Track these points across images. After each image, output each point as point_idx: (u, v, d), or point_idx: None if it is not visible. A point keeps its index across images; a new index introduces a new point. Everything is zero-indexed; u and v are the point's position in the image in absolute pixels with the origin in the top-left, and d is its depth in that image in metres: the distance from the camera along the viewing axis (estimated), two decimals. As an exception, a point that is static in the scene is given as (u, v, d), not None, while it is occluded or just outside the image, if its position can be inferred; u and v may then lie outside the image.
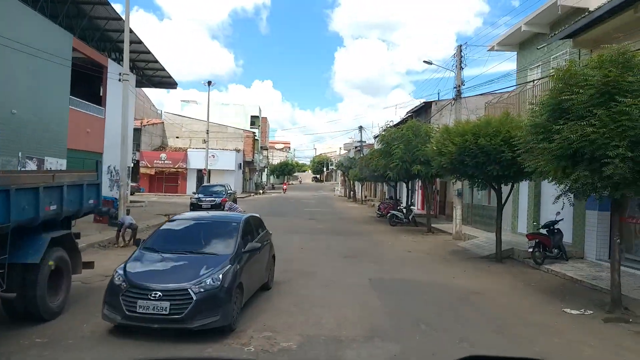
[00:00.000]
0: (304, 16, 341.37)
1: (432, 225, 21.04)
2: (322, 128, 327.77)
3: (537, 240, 12.25)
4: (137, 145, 46.58)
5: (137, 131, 46.76)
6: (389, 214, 23.44)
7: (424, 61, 18.20)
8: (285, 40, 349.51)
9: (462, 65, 18.50)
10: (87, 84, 24.90)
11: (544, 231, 12.60)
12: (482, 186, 13.71)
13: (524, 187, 16.54)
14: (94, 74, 23.63)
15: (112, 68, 25.12)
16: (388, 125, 20.40)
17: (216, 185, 26.25)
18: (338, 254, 13.71)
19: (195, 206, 23.60)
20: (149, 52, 28.04)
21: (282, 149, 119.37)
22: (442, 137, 13.25)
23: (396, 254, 14.10)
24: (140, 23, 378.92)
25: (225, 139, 53.96)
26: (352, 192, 48.90)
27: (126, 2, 17.61)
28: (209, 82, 37.68)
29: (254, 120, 63.12)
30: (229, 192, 25.40)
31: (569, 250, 12.76)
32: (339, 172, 66.77)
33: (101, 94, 25.12)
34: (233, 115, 61.53)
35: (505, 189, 13.61)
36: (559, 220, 12.26)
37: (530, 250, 12.27)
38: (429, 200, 21.26)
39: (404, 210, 24.65)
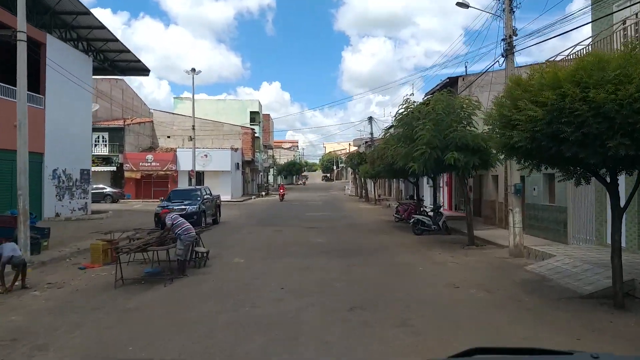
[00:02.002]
0: (309, 16, 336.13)
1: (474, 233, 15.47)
2: (331, 127, 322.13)
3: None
4: (120, 147, 41.61)
5: (120, 130, 41.92)
6: (411, 220, 17.89)
7: (457, 3, 12.16)
8: (291, 41, 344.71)
9: (512, 6, 12.91)
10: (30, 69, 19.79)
11: None
12: (584, 178, 8.05)
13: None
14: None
15: (55, 46, 19.91)
16: (408, 101, 14.79)
17: (190, 190, 20.88)
18: (339, 300, 8.19)
19: (161, 218, 18.22)
20: (116, 40, 22.96)
21: (290, 147, 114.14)
22: (511, 96, 7.73)
23: (436, 295, 8.55)
24: (144, 28, 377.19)
25: (221, 137, 48.77)
26: (364, 191, 43.34)
27: None
28: (193, 69, 32.35)
29: (254, 116, 57.85)
30: (205, 196, 20.00)
31: None
32: (349, 169, 61.29)
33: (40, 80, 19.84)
34: (231, 112, 56.38)
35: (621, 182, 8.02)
36: None
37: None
38: (465, 200, 15.64)
39: (431, 214, 19.15)
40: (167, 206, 18.59)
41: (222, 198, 43.83)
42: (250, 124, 55.25)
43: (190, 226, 10.46)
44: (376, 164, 19.81)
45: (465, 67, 18.99)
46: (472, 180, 22.93)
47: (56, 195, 20.35)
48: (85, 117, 22.89)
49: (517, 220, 12.79)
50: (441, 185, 28.84)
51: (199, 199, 19.37)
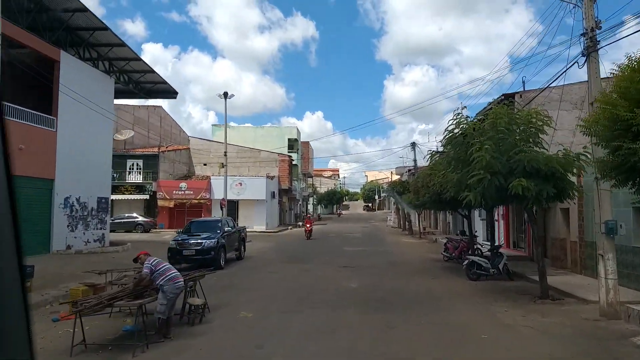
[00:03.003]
0: (352, 46, 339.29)
1: (537, 279, 12.33)
2: (373, 155, 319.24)
3: None
4: (154, 175, 40.61)
5: (155, 158, 40.97)
6: (465, 261, 14.87)
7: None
8: (334, 71, 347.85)
9: (596, -6, 10.16)
10: (41, 89, 18.61)
11: None
12: None
13: None
14: (37, 72, 17.15)
15: (71, 64, 18.62)
16: (459, 116, 12.02)
17: (210, 221, 18.69)
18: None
19: (174, 253, 16.13)
20: (138, 59, 21.70)
21: (331, 176, 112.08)
22: (628, 90, 5.01)
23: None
24: (195, 61, 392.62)
25: (258, 164, 47.19)
26: (407, 223, 40.17)
27: None
28: (225, 93, 30.88)
29: (292, 143, 56.16)
30: (227, 229, 17.75)
31: None
32: (392, 199, 58.19)
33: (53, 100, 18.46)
34: (269, 139, 55.00)
35: None
36: None
37: None
38: (536, 240, 12.52)
39: (487, 253, 16.12)
40: (183, 240, 16.54)
41: (257, 228, 42.12)
42: (289, 152, 53.55)
43: (178, 274, 8.05)
44: (420, 193, 17.04)
45: (523, 82, 16.17)
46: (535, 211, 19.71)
47: (68, 226, 18.73)
48: (105, 142, 21.45)
49: (610, 269, 9.68)
50: (496, 218, 25.53)
51: (218, 231, 17.14)
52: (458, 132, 11.97)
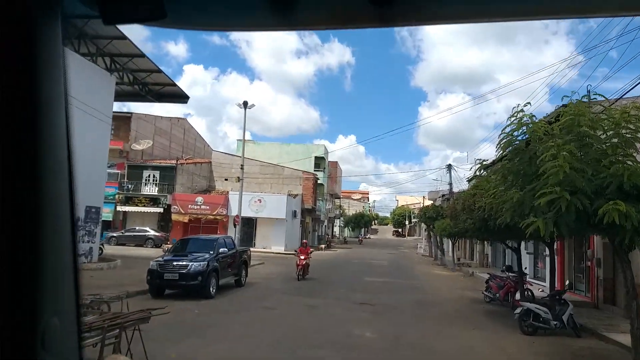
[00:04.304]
0: (387, 73, 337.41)
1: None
2: (404, 179, 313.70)
3: None
4: (170, 187, 38.43)
5: (172, 169, 38.86)
6: (519, 309, 11.35)
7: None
8: (368, 96, 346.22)
9: None
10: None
11: None
12: None
13: None
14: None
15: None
16: (522, 112, 8.75)
17: (203, 239, 15.74)
18: None
19: (154, 276, 13.28)
20: (142, 56, 19.44)
21: (360, 199, 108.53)
22: None
23: None
24: (232, 83, 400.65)
25: (281, 182, 44.52)
26: (440, 252, 36.38)
27: None
28: (245, 102, 28.44)
29: (319, 162, 53.34)
30: (222, 250, 14.77)
31: None
32: (423, 225, 54.28)
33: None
34: (295, 156, 52.39)
35: None
36: None
37: None
38: (628, 289, 8.99)
39: (539, 296, 12.69)
40: (167, 261, 13.71)
41: (274, 249, 39.07)
42: (315, 170, 50.72)
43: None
44: (460, 218, 13.68)
45: (588, 91, 12.87)
46: (595, 249, 15.99)
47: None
48: (99, 146, 19.06)
49: None
50: (546, 252, 21.69)
51: (211, 252, 14.22)
52: (519, 135, 8.76)
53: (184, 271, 13.18)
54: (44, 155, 0.89)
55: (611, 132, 8.26)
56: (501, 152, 8.93)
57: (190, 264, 13.34)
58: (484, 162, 9.92)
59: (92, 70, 18.68)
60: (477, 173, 10.98)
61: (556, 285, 12.99)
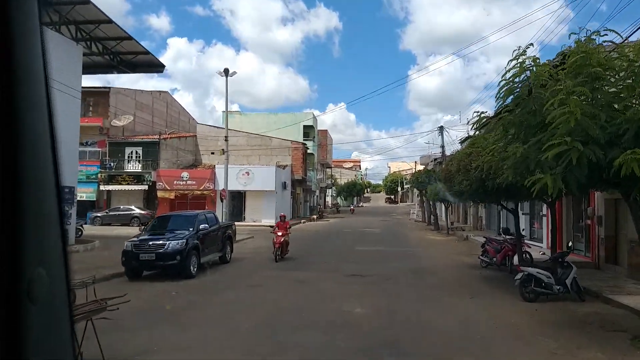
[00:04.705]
0: (375, 37, 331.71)
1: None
2: (395, 145, 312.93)
3: None
4: (154, 163, 37.17)
5: (155, 145, 37.52)
6: (519, 274, 10.56)
7: None
8: (357, 62, 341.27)
9: None
10: None
11: None
12: None
13: None
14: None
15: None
16: (524, 55, 7.69)
17: (183, 216, 14.72)
18: None
19: (129, 257, 12.34)
20: (110, 22, 17.89)
21: (352, 167, 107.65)
22: None
23: None
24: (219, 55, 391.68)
25: (269, 152, 43.35)
26: (433, 217, 35.78)
27: None
28: (226, 70, 26.99)
29: (308, 131, 52.06)
30: (203, 226, 13.80)
31: None
32: (415, 191, 53.65)
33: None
34: (283, 126, 51.05)
35: None
36: None
37: None
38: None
39: (538, 259, 11.97)
40: (142, 241, 12.76)
41: (265, 222, 38.11)
42: (304, 139, 49.49)
43: None
44: (455, 180, 12.75)
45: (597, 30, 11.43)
46: (599, 204, 15.22)
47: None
48: (70, 122, 17.77)
49: None
50: (537, 212, 20.98)
51: (191, 229, 13.26)
52: (522, 82, 7.73)
53: (160, 250, 12.24)
54: (26, 132, 0.84)
55: (623, 73, 7.28)
56: (501, 102, 7.91)
57: (168, 242, 12.39)
58: (483, 114, 8.88)
59: (56, 40, 17.24)
60: (476, 127, 9.95)
61: (569, 249, 12.20)
